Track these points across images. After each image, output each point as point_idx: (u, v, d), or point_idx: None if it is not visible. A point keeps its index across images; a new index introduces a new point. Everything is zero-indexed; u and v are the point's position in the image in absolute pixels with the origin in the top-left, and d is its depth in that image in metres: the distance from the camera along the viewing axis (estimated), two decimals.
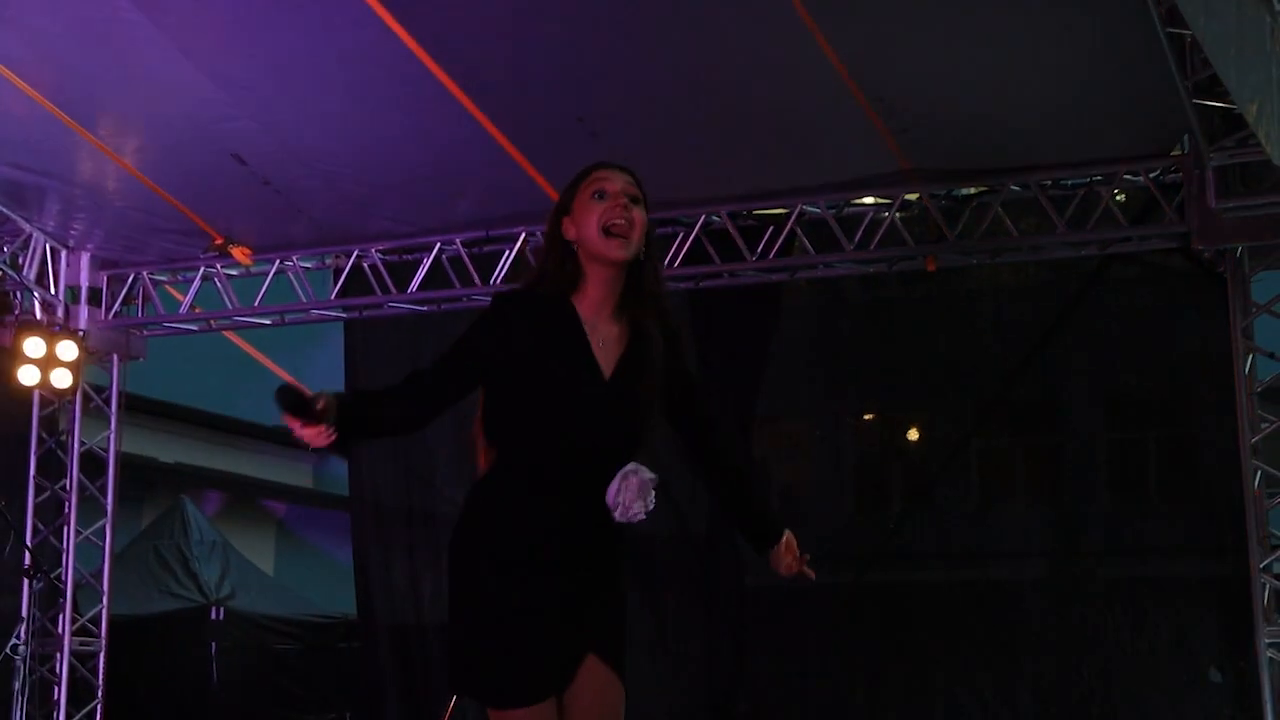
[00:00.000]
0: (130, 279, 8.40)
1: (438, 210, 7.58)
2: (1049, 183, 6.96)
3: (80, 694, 8.10)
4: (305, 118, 6.87)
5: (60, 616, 8.08)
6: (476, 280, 7.63)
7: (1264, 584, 6.44)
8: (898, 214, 7.17)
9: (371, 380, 8.22)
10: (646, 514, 3.00)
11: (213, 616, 10.08)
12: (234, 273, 8.26)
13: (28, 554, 7.70)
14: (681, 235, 7.43)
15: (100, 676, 8.17)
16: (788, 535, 3.31)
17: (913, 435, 9.28)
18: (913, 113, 6.51)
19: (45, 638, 8.01)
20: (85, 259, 8.29)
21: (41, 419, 8.27)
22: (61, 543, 8.19)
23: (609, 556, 3.08)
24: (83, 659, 8.15)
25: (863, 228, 7.22)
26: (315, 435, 2.87)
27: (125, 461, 8.65)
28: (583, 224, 3.09)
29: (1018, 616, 8.00)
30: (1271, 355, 6.60)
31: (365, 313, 8.12)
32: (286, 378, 12.78)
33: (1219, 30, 4.49)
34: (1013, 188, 7.01)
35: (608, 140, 6.43)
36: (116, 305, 8.42)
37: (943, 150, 6.84)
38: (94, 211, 7.84)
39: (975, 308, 8.36)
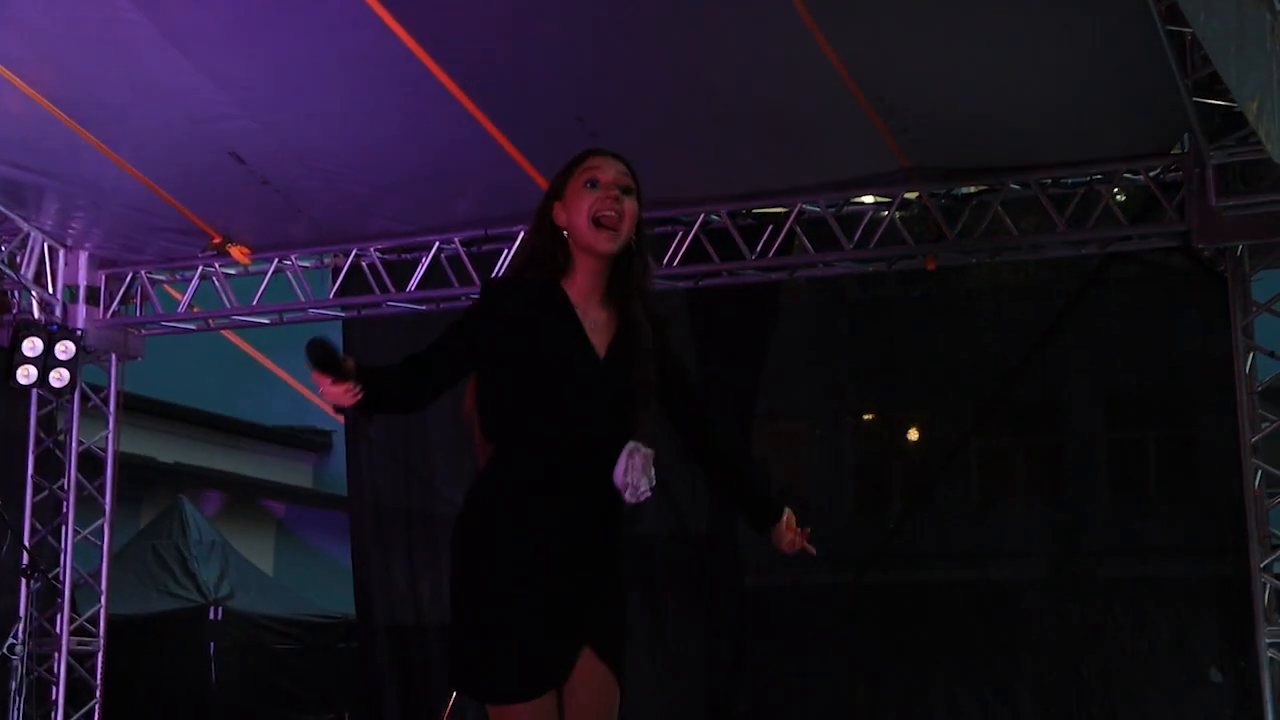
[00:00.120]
0: (128, 278, 8.39)
1: (437, 210, 7.58)
2: (1049, 181, 6.95)
3: (78, 694, 8.09)
4: (304, 117, 6.86)
5: (58, 616, 8.07)
6: (475, 280, 7.62)
7: (1264, 584, 6.43)
8: (897, 213, 7.17)
9: None
10: (651, 491, 3.00)
11: (211, 616, 10.08)
12: (232, 272, 8.25)
13: (25, 554, 7.69)
14: (681, 234, 7.43)
15: (98, 676, 8.16)
16: (788, 513, 3.32)
17: (913, 435, 9.27)
18: (913, 112, 6.50)
19: (43, 637, 8.00)
20: (83, 258, 8.29)
21: (39, 418, 8.27)
22: (59, 542, 8.19)
23: (610, 554, 3.07)
24: (81, 659, 8.14)
25: (862, 227, 7.21)
26: (343, 393, 2.85)
27: (124, 461, 8.65)
28: (573, 211, 3.09)
29: (1018, 616, 7.99)
30: (1272, 354, 6.59)
31: (364, 312, 8.12)
32: (285, 377, 12.75)
33: (1219, 28, 4.48)
34: (1013, 187, 7.00)
35: (608, 140, 6.36)
36: (115, 304, 8.41)
37: (943, 149, 6.83)
38: (92, 210, 7.84)
39: (975, 307, 8.34)
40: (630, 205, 3.10)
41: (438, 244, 7.76)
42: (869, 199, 7.26)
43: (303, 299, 8.16)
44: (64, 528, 8.20)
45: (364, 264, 7.92)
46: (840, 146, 6.84)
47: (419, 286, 7.84)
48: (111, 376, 8.50)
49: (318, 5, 6.13)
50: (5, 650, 7.43)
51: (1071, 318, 8.01)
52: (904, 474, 9.11)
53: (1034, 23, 5.91)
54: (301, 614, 10.95)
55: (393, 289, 7.88)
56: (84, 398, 8.38)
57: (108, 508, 8.36)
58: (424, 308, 7.93)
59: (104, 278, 8.38)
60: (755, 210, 7.40)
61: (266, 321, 8.46)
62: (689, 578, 8.36)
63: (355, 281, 7.97)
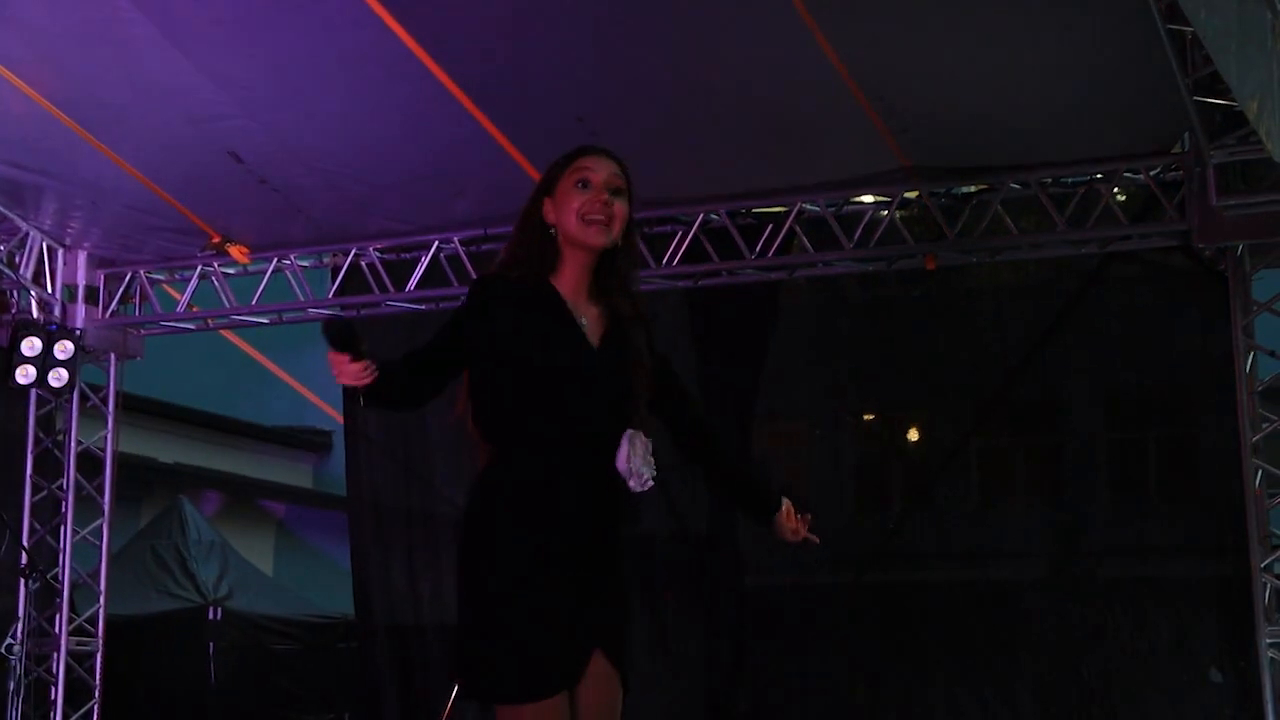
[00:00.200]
0: (127, 278, 8.38)
1: (436, 209, 7.57)
2: (1049, 181, 6.95)
3: (77, 694, 8.08)
4: (304, 117, 6.86)
5: (57, 616, 8.06)
6: (481, 274, 7.61)
7: (1265, 584, 6.42)
8: (897, 212, 7.16)
9: None
10: (654, 480, 3.00)
11: (210, 617, 10.07)
12: (231, 271, 8.24)
13: (24, 554, 7.68)
14: (680, 234, 7.42)
15: (97, 677, 8.15)
16: (787, 504, 3.33)
17: (913, 435, 9.26)
18: (913, 112, 6.50)
19: (42, 638, 7.99)
20: (82, 258, 8.28)
21: (38, 418, 8.25)
22: (58, 542, 8.18)
23: (611, 552, 3.07)
24: (80, 659, 8.13)
25: (862, 226, 7.20)
26: (359, 372, 2.83)
27: (123, 461, 8.64)
28: (563, 210, 3.10)
29: (1018, 616, 7.98)
30: (1272, 354, 6.59)
31: (363, 311, 8.10)
32: (285, 377, 12.74)
33: (1220, 26, 4.47)
34: (1012, 186, 7.00)
35: (608, 139, 6.32)
36: (113, 304, 8.40)
37: (943, 149, 6.83)
38: (91, 210, 7.83)
39: (975, 306, 8.32)
40: (620, 208, 3.11)
41: (437, 243, 7.75)
42: (869, 198, 7.26)
43: (302, 299, 8.15)
44: (63, 528, 8.19)
45: (363, 263, 7.91)
46: (840, 146, 6.83)
47: (418, 286, 7.83)
48: (110, 376, 8.49)
49: (317, 5, 6.12)
50: (3, 650, 7.42)
51: (1071, 318, 8.00)
52: (904, 474, 9.10)
53: (1034, 22, 5.90)
54: (301, 614, 10.94)
55: (392, 289, 7.87)
56: (83, 397, 8.37)
57: (106, 508, 8.35)
58: (423, 307, 7.92)
59: (103, 277, 8.38)
60: (755, 210, 7.39)
61: (266, 321, 8.46)
62: (689, 578, 8.35)
63: (354, 281, 7.96)
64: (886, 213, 7.16)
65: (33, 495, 8.16)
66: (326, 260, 8.12)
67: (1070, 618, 7.92)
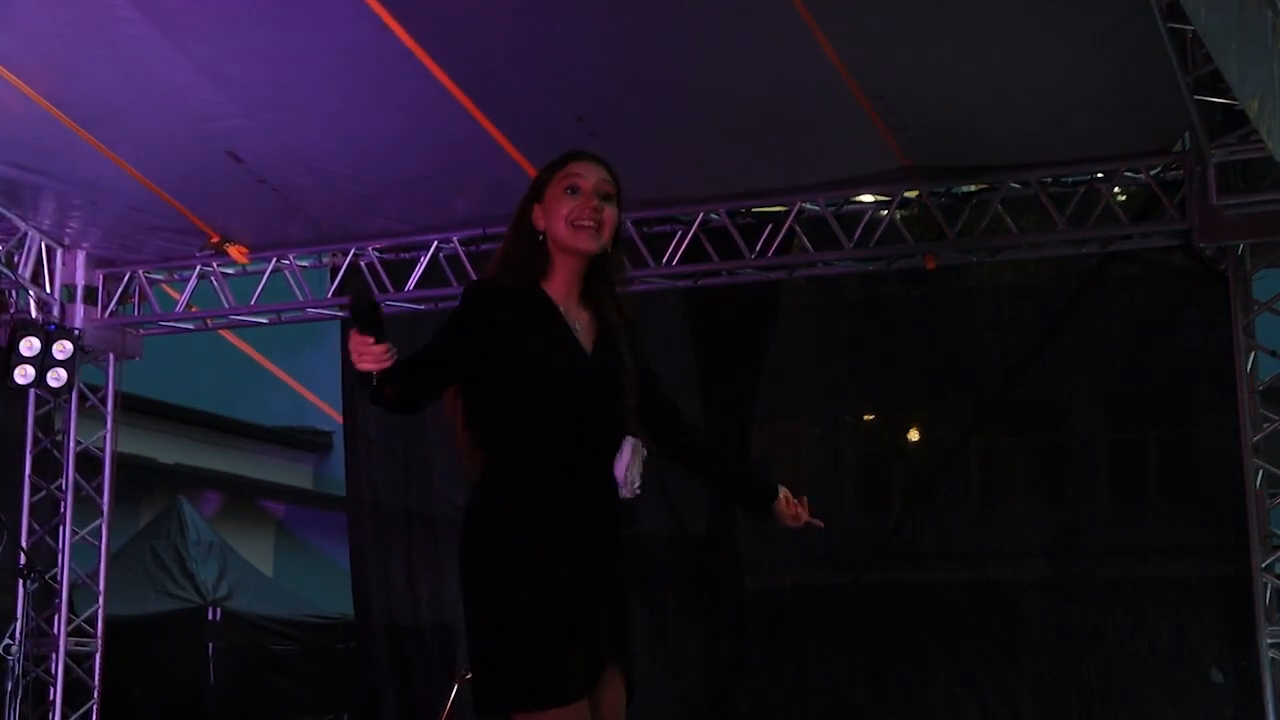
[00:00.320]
0: (126, 278, 8.37)
1: (435, 209, 7.56)
2: (1049, 180, 6.94)
3: (76, 695, 8.07)
4: (303, 116, 6.85)
5: (56, 617, 8.05)
6: (473, 279, 7.61)
7: (1266, 584, 6.41)
8: (897, 212, 7.15)
9: None
10: (641, 488, 3.01)
11: (210, 617, 10.06)
12: (230, 271, 8.23)
13: (23, 554, 7.67)
14: (680, 233, 7.41)
15: (96, 677, 8.14)
16: (784, 491, 3.33)
17: (913, 435, 9.25)
18: (912, 111, 6.49)
19: (41, 638, 7.98)
20: (81, 257, 8.27)
21: (37, 418, 8.24)
22: (57, 543, 8.17)
23: (613, 553, 3.06)
24: (78, 660, 8.12)
25: (862, 226, 7.19)
26: (382, 355, 2.79)
27: (122, 462, 8.63)
28: (552, 216, 3.09)
29: (1018, 616, 7.97)
30: (1273, 353, 6.58)
31: None
32: (284, 378, 12.71)
33: (1220, 24, 4.46)
34: (1013, 185, 6.99)
35: (607, 139, 6.39)
36: (112, 304, 8.39)
37: (943, 148, 6.82)
38: (90, 210, 7.82)
39: (975, 306, 8.32)
40: (610, 213, 3.10)
41: (436, 243, 7.74)
42: (869, 198, 7.25)
43: (301, 298, 8.14)
44: (61, 528, 8.18)
45: (362, 263, 7.90)
46: (840, 145, 6.82)
47: (417, 286, 7.82)
48: (109, 376, 8.48)
49: (316, 4, 6.11)
50: (2, 651, 7.41)
51: (1071, 318, 7.99)
52: (904, 474, 9.09)
53: (1034, 21, 5.90)
54: (300, 615, 10.93)
55: (391, 288, 7.86)
56: (82, 398, 8.36)
57: (105, 508, 8.34)
58: (422, 307, 7.91)
59: (102, 277, 8.36)
60: (755, 209, 7.38)
61: (265, 321, 8.45)
62: (689, 578, 8.34)
63: (353, 281, 7.94)
64: (886, 212, 7.15)
65: (31, 495, 8.15)
66: (326, 260, 8.11)
67: (1070, 618, 7.91)
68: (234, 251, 7.99)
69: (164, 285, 8.48)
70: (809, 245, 7.35)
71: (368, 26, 6.07)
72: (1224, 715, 7.36)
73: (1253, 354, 6.58)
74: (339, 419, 9.25)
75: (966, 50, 6.07)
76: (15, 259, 8.01)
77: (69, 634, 8.08)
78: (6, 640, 7.45)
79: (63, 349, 7.98)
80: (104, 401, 8.45)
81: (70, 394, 8.22)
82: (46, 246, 8.15)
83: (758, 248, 7.32)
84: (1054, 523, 8.46)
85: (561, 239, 3.08)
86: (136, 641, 9.43)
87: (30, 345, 7.90)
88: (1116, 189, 6.91)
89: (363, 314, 2.78)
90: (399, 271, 7.89)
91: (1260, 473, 6.49)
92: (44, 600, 8.00)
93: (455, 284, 7.66)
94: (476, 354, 3.02)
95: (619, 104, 6.50)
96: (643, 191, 6.88)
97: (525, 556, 2.94)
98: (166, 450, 14.63)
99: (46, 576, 7.83)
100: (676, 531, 8.20)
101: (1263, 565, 6.42)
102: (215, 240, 7.95)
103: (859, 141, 6.72)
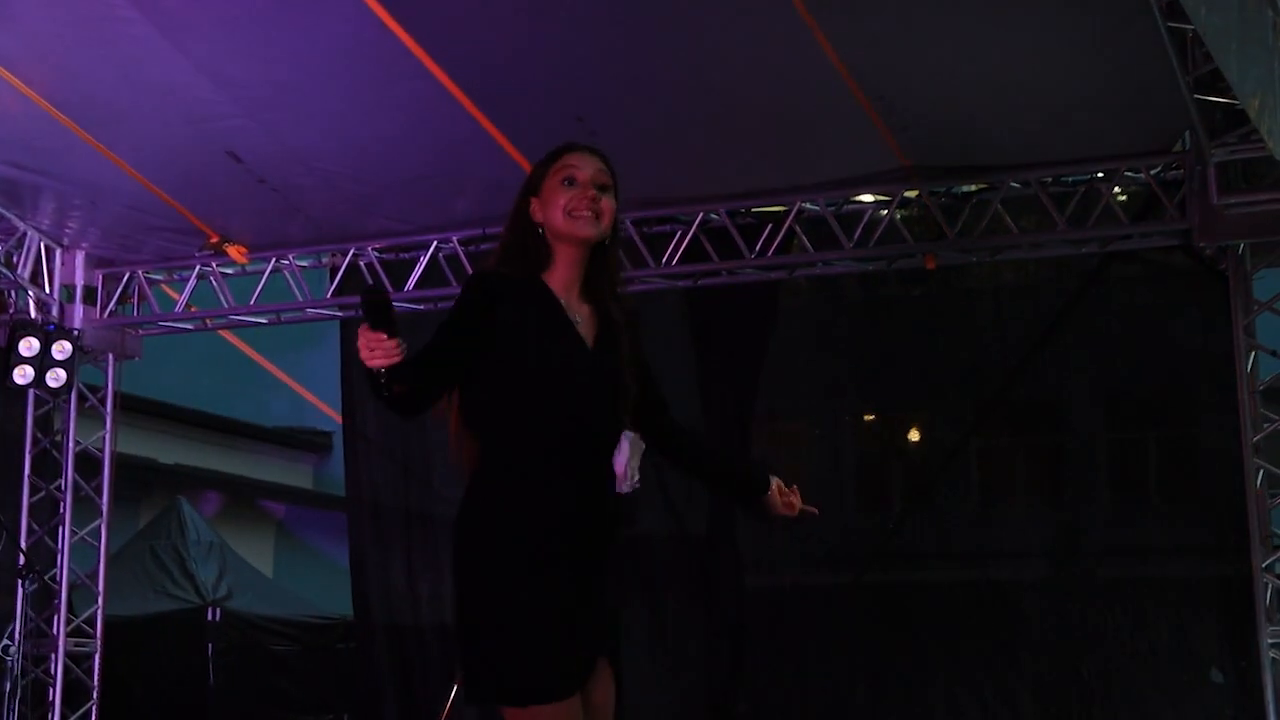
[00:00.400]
0: (125, 278, 8.37)
1: (435, 209, 7.56)
2: (1049, 180, 6.93)
3: (75, 695, 8.07)
4: (303, 116, 6.85)
5: (55, 617, 8.05)
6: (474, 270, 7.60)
7: (1266, 584, 6.41)
8: (897, 212, 7.15)
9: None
10: (639, 483, 3.02)
11: (209, 617, 10.06)
12: (230, 271, 8.23)
13: (22, 554, 7.67)
14: (680, 233, 7.41)
15: (95, 678, 8.14)
16: (775, 480, 3.33)
17: (913, 435, 9.25)
18: (913, 111, 6.49)
19: (40, 639, 7.98)
20: (80, 258, 8.26)
21: (36, 418, 8.24)
22: (56, 543, 8.16)
23: (606, 550, 3.06)
24: (78, 660, 8.12)
25: (862, 225, 7.19)
26: (393, 349, 2.78)
27: (122, 462, 8.63)
28: (549, 208, 3.09)
29: (1018, 616, 7.96)
30: (1274, 353, 6.58)
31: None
32: (284, 378, 12.70)
33: (1220, 23, 4.46)
34: (1013, 185, 6.98)
35: (607, 139, 6.33)
36: (111, 304, 8.39)
37: (943, 148, 6.82)
38: (89, 210, 7.82)
39: (975, 306, 8.31)
40: (608, 203, 3.10)
41: (436, 243, 7.74)
42: (869, 198, 7.25)
43: (300, 299, 8.14)
44: (61, 528, 8.18)
45: (362, 263, 7.90)
46: (840, 145, 6.82)
47: (417, 286, 7.82)
48: (109, 376, 8.48)
49: (316, 4, 6.11)
50: (1, 652, 7.40)
51: (1071, 317, 7.98)
52: (904, 474, 9.08)
53: (1034, 21, 5.89)
54: (300, 615, 10.93)
55: (391, 289, 7.85)
56: (81, 398, 8.36)
57: (105, 508, 8.33)
58: (422, 307, 7.90)
59: (101, 277, 8.36)
60: (755, 209, 7.38)
61: (264, 321, 8.44)
62: (689, 578, 8.34)
63: (353, 281, 7.94)
64: (886, 212, 7.15)
65: (31, 496, 8.14)
66: (325, 260, 8.11)
67: (1070, 618, 7.90)
68: (233, 251, 7.98)
69: (163, 285, 8.48)
70: (809, 245, 7.35)
71: (367, 26, 6.07)
72: (1224, 715, 7.36)
73: (1253, 354, 6.58)
74: (339, 419, 9.25)
75: (966, 50, 6.07)
76: (14, 259, 8.01)
77: (68, 634, 8.08)
78: (6, 641, 7.45)
79: (62, 349, 7.98)
80: (103, 402, 8.44)
81: (69, 394, 8.22)
82: (46, 246, 8.15)
83: (758, 248, 7.32)
84: (1054, 523, 8.45)
85: (560, 229, 3.07)
86: (136, 642, 9.43)
87: (29, 345, 7.89)
88: (1116, 189, 6.91)
89: (374, 308, 2.77)
90: (399, 271, 7.88)
91: (1260, 473, 6.48)
92: (43, 600, 7.99)
93: (455, 284, 7.65)
94: (478, 353, 3.01)
95: (619, 104, 6.50)
96: (642, 191, 6.89)
97: (525, 556, 2.93)
98: (166, 450, 14.63)
99: (46, 577, 7.82)
100: (676, 531, 8.20)
101: (1263, 565, 6.42)
102: (215, 240, 7.95)
103: (859, 141, 6.72)
